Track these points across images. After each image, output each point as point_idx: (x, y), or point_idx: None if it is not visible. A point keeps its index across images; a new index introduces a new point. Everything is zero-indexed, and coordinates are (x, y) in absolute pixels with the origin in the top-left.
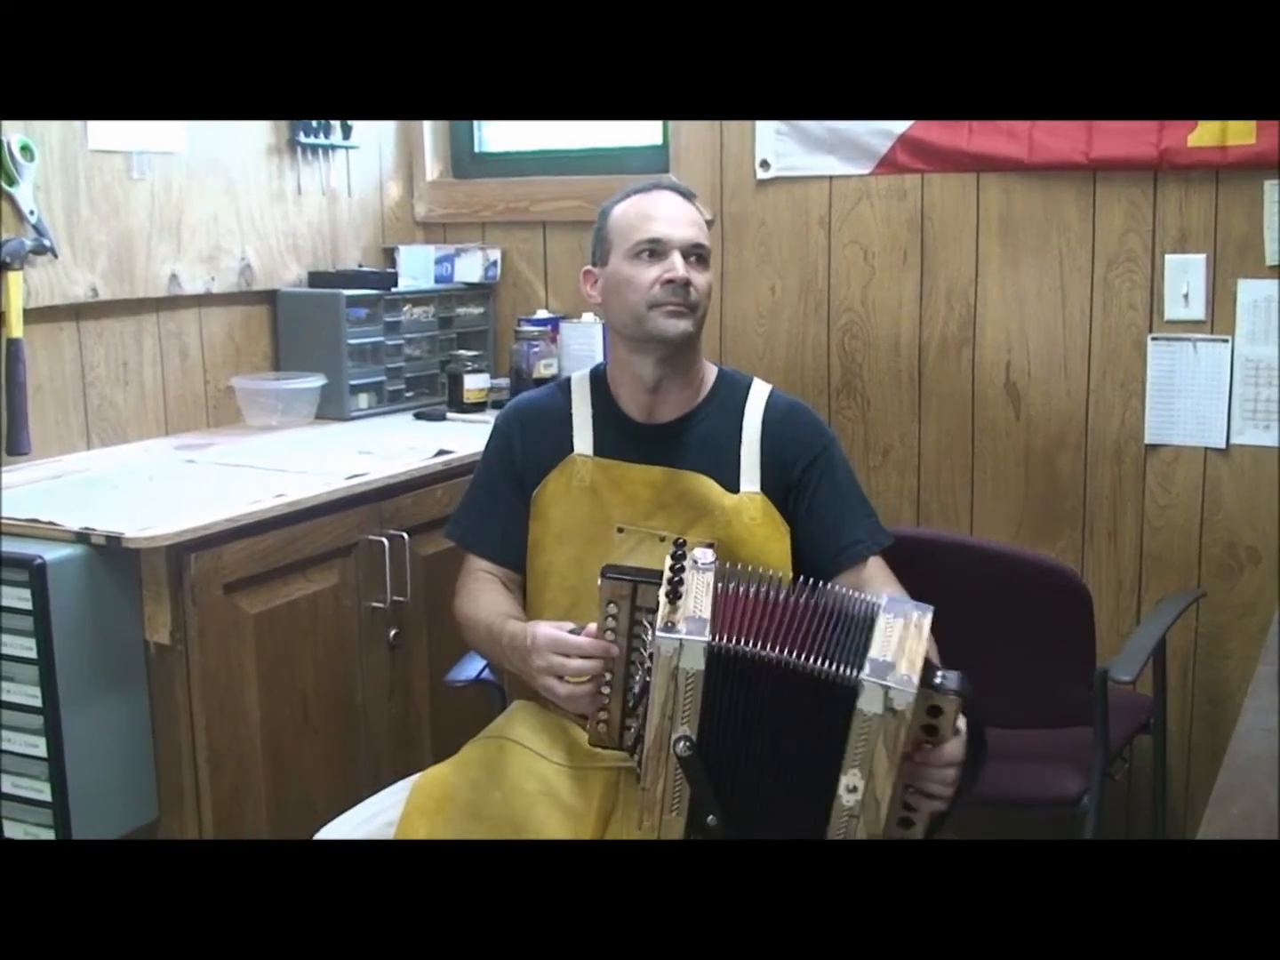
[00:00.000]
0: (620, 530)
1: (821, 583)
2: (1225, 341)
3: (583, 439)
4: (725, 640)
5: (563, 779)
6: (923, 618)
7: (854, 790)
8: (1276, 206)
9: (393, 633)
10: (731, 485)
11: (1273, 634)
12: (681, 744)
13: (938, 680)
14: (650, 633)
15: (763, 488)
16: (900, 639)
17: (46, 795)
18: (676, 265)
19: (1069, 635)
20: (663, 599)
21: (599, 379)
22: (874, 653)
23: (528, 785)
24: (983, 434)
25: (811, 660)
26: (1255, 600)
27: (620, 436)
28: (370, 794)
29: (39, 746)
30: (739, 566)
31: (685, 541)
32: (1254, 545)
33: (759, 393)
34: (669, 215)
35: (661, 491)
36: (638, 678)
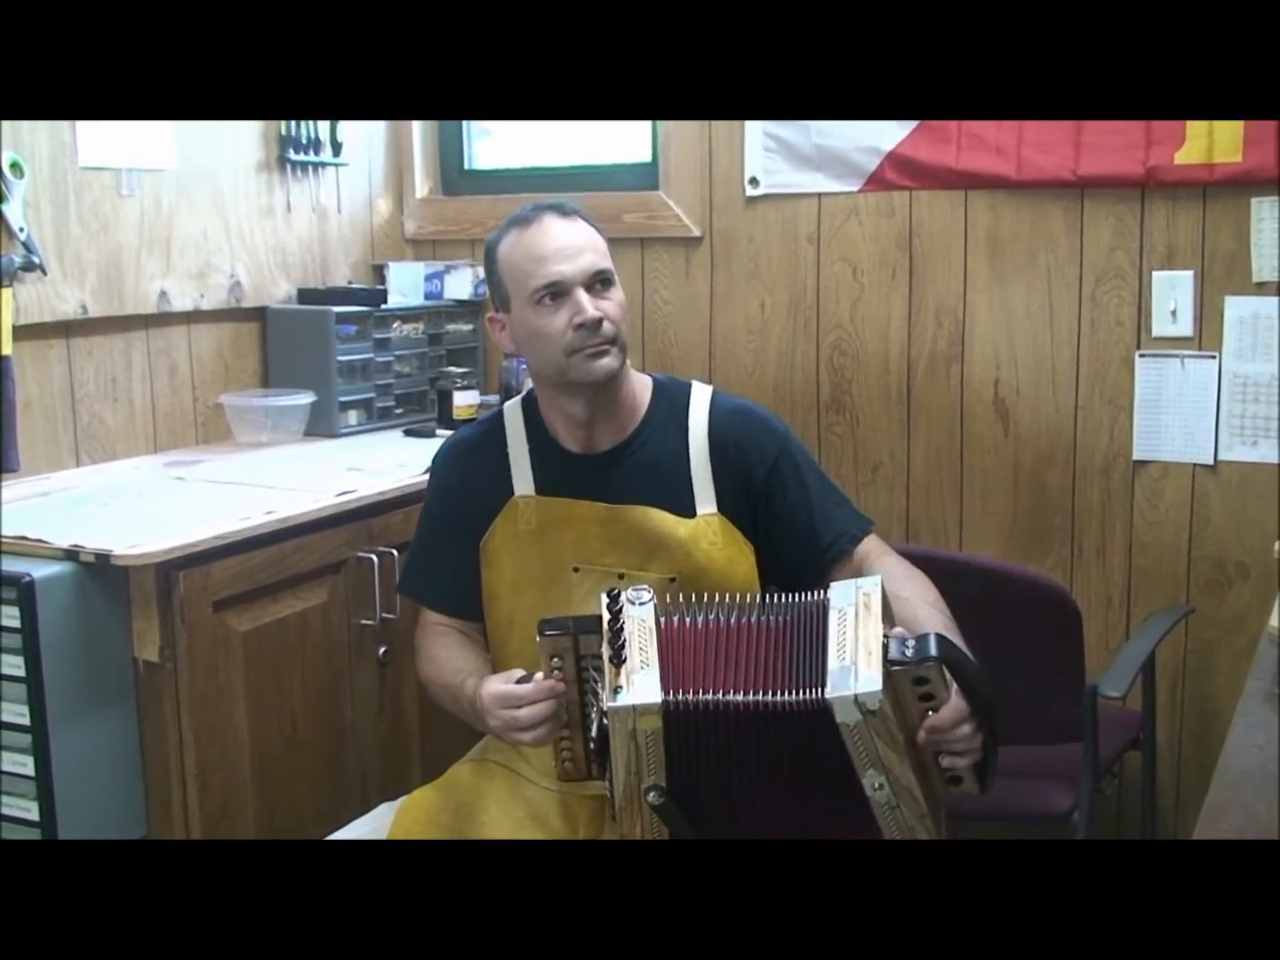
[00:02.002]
0: (576, 570)
1: (769, 596)
2: (1213, 358)
3: (522, 478)
4: (678, 694)
5: (549, 803)
6: (869, 594)
7: (881, 787)
8: (1264, 224)
9: (382, 650)
10: (686, 509)
11: (1261, 650)
12: (652, 794)
13: (907, 654)
14: (600, 681)
15: (720, 507)
16: (853, 631)
17: (35, 814)
18: (584, 306)
19: (1058, 651)
20: (606, 663)
21: (531, 409)
22: (831, 662)
23: (514, 809)
24: (971, 450)
25: (776, 694)
26: (1244, 616)
27: (560, 470)
28: (359, 812)
29: (27, 765)
30: (681, 597)
31: (618, 592)
32: (1242, 561)
33: (700, 401)
34: (558, 248)
35: (609, 528)
36: (594, 717)
